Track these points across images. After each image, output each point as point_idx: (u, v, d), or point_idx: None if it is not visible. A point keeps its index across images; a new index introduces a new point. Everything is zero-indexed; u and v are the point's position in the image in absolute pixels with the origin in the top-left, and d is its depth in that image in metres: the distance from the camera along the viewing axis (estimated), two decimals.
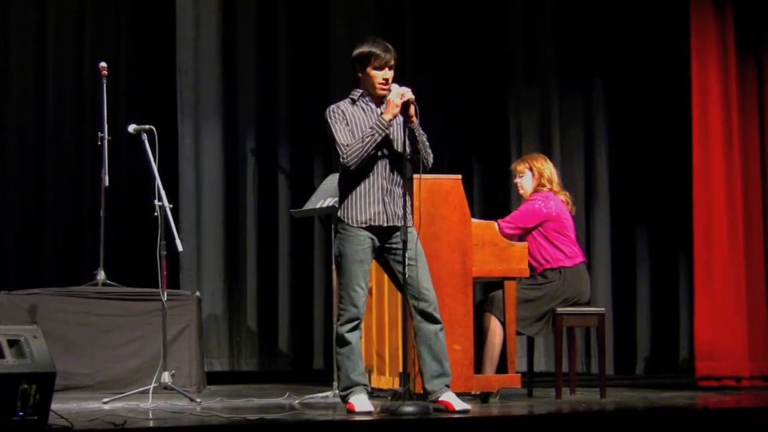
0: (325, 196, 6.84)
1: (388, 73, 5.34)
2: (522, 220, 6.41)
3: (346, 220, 5.34)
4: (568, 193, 6.63)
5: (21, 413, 4.32)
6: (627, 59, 8.90)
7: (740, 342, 7.52)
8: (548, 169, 6.55)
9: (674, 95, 8.49)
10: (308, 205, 7.02)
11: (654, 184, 8.89)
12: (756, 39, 7.84)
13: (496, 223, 6.30)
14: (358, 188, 5.33)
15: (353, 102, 5.41)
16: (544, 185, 6.52)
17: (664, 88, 8.79)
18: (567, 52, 8.86)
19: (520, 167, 6.60)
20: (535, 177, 6.54)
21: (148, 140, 6.50)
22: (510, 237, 6.28)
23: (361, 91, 5.41)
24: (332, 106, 5.40)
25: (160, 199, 6.38)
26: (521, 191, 6.62)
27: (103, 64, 7.32)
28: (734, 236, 7.61)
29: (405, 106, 5.25)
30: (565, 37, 8.86)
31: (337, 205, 5.62)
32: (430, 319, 5.33)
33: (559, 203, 6.48)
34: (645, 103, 8.92)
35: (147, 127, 6.55)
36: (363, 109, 5.38)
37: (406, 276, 5.23)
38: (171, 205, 6.44)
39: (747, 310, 7.58)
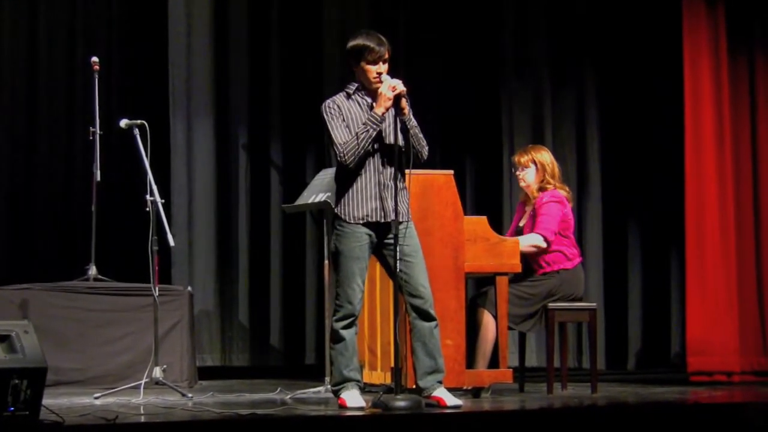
0: (317, 191, 6.83)
1: (383, 67, 5.31)
2: (558, 224, 6.40)
3: (343, 216, 5.32)
4: (568, 188, 6.62)
5: (12, 408, 4.32)
6: (619, 56, 8.91)
7: (731, 337, 7.54)
8: (551, 162, 6.53)
9: (666, 91, 8.50)
10: (300, 201, 7.02)
11: (646, 181, 8.90)
12: (747, 37, 7.85)
13: (540, 237, 6.31)
14: (354, 184, 5.31)
15: (348, 96, 5.38)
16: (548, 181, 6.49)
17: (656, 84, 8.80)
18: (559, 47, 8.86)
19: (524, 159, 6.55)
20: (539, 171, 6.51)
21: (140, 135, 6.50)
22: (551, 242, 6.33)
23: (356, 84, 5.39)
24: (328, 101, 5.37)
25: (151, 194, 6.37)
26: (522, 184, 6.58)
27: (94, 59, 7.30)
28: (726, 232, 7.62)
29: (397, 99, 5.24)
30: (557, 32, 8.86)
31: (329, 200, 5.62)
32: (425, 316, 5.33)
33: (567, 203, 6.48)
34: (637, 99, 8.93)
35: (139, 121, 6.55)
36: (359, 104, 5.36)
37: (403, 272, 5.24)
38: (163, 200, 6.44)
39: (738, 305, 7.60)
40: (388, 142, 5.32)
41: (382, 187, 5.30)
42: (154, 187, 6.38)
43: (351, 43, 5.34)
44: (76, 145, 8.05)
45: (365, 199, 5.30)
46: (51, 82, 8.15)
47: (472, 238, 6.03)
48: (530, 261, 6.43)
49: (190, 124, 8.26)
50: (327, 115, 5.33)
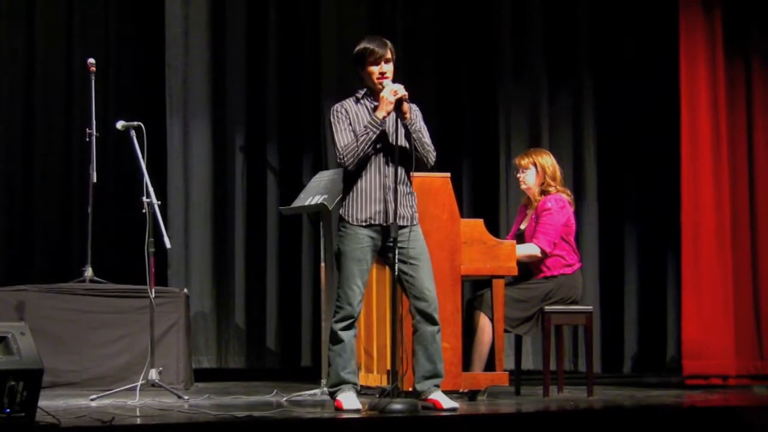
0: (314, 193, 6.84)
1: (385, 67, 5.36)
2: (559, 232, 6.39)
3: (346, 218, 5.35)
4: (569, 191, 6.62)
5: (8, 410, 4.32)
6: (616, 58, 8.91)
7: (727, 341, 7.55)
8: (552, 165, 6.53)
9: (663, 94, 8.49)
10: (297, 203, 7.02)
11: (642, 183, 8.90)
12: (744, 40, 7.87)
13: (537, 248, 6.30)
14: (358, 187, 5.34)
15: (357, 101, 5.43)
16: (550, 184, 6.49)
17: (653, 86, 8.79)
18: (556, 49, 8.86)
19: (524, 162, 6.56)
20: (539, 174, 6.51)
21: (137, 137, 6.50)
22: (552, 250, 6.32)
23: (364, 89, 5.44)
24: (336, 105, 5.43)
25: (148, 196, 6.38)
26: (523, 186, 6.59)
27: (91, 60, 7.30)
28: (722, 235, 7.63)
29: (398, 103, 5.26)
30: (554, 34, 8.86)
31: (326, 203, 5.63)
32: (430, 320, 5.34)
33: (569, 208, 6.48)
34: (634, 101, 8.92)
35: (135, 123, 6.55)
36: (366, 108, 5.40)
37: (408, 275, 5.26)
38: (159, 202, 6.44)
39: (734, 309, 7.61)
40: (393, 146, 5.33)
41: (386, 190, 5.32)
42: (151, 189, 6.38)
43: (355, 50, 5.39)
44: (73, 147, 8.04)
45: (369, 202, 5.32)
46: (47, 83, 8.14)
47: (468, 241, 6.04)
48: (529, 264, 6.43)
49: (187, 125, 8.25)
50: (334, 118, 5.38)
